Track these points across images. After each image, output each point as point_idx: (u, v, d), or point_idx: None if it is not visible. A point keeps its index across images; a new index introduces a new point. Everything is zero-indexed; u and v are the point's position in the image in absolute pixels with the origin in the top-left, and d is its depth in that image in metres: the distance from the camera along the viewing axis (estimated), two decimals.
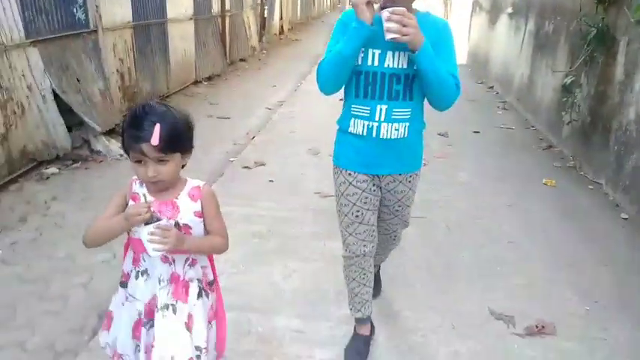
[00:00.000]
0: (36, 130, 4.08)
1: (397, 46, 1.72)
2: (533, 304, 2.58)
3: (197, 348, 1.49)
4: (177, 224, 1.44)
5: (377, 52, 1.76)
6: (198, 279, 1.54)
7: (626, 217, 3.63)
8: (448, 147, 5.14)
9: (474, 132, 5.74)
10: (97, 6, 4.91)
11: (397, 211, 2.07)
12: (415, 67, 1.74)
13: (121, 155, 4.39)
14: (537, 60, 6.11)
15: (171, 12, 6.89)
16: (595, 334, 2.40)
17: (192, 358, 1.45)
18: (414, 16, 1.66)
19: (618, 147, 3.90)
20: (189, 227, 1.46)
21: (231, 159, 4.69)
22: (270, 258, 2.92)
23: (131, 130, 1.35)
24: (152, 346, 1.45)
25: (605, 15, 4.21)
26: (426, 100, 1.88)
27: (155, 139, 1.31)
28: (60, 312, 2.45)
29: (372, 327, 2.23)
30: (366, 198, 1.95)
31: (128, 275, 1.53)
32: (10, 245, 3.07)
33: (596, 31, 4.13)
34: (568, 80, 4.60)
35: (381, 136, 1.83)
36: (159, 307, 1.47)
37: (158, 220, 1.36)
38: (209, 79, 8.49)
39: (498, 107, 7.07)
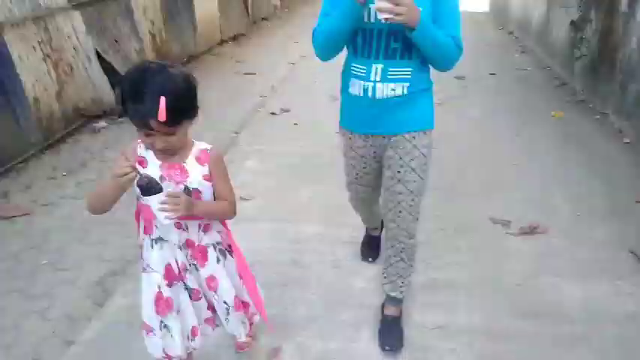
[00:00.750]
0: (84, 88, 4.55)
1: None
2: (529, 212, 2.93)
3: (225, 303, 1.57)
4: (186, 189, 1.41)
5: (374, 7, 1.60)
6: (215, 243, 1.54)
7: (628, 141, 3.88)
8: (463, 88, 5.40)
9: (490, 74, 5.95)
10: None
11: (400, 173, 1.83)
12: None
13: None
14: (553, 0, 6.19)
15: None
16: (582, 233, 2.74)
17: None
18: None
19: (622, 77, 4.10)
20: (199, 191, 1.44)
21: (259, 109, 5.10)
22: (298, 183, 3.38)
23: (133, 104, 1.27)
24: (197, 297, 1.56)
25: None
26: None
27: (162, 115, 1.23)
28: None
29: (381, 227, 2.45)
30: (365, 163, 1.96)
31: (142, 245, 1.52)
32: (77, 184, 3.58)
33: None
34: (576, 16, 4.74)
35: (377, 97, 1.74)
36: (188, 268, 1.52)
37: (146, 177, 1.31)
38: (234, 38, 8.80)
39: (516, 51, 7.20)
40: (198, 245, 1.49)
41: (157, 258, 1.47)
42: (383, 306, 2.13)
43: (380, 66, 1.71)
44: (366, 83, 1.74)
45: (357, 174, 2.01)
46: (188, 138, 1.43)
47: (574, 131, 4.14)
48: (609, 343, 2.01)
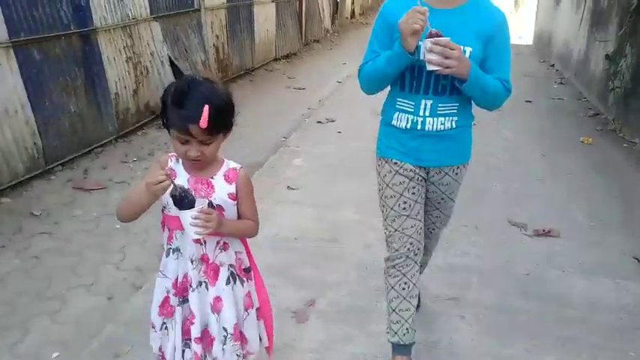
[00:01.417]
0: (156, 89, 5.16)
1: None
2: (546, 220, 3.23)
3: (224, 329, 1.52)
4: (210, 204, 1.42)
5: (424, 59, 1.61)
6: (230, 264, 1.53)
7: None
8: (499, 112, 5.70)
9: (526, 101, 6.25)
10: None
11: (440, 204, 1.97)
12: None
13: None
14: (592, 35, 6.46)
15: None
16: (592, 240, 3.03)
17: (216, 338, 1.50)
18: (459, 46, 1.57)
19: None
20: (222, 209, 1.45)
21: (307, 118, 5.59)
22: (337, 179, 3.84)
23: (177, 109, 1.31)
24: (191, 322, 1.49)
25: None
26: None
27: (204, 122, 1.27)
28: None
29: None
30: (414, 188, 1.85)
31: (164, 248, 1.54)
32: (144, 169, 4.12)
33: (637, 3, 4.55)
34: (611, 50, 5.03)
35: (426, 130, 1.77)
36: (193, 285, 1.48)
37: (181, 189, 1.32)
38: (286, 57, 9.44)
39: (555, 82, 7.46)
40: (212, 263, 1.49)
41: (171, 267, 1.51)
42: None
43: (429, 102, 1.74)
44: (416, 118, 1.77)
45: (404, 202, 1.85)
46: (219, 156, 1.47)
47: (600, 156, 4.39)
48: (604, 326, 2.30)
